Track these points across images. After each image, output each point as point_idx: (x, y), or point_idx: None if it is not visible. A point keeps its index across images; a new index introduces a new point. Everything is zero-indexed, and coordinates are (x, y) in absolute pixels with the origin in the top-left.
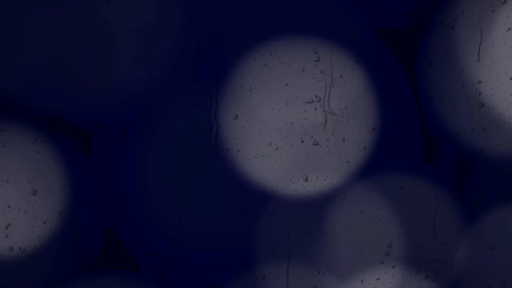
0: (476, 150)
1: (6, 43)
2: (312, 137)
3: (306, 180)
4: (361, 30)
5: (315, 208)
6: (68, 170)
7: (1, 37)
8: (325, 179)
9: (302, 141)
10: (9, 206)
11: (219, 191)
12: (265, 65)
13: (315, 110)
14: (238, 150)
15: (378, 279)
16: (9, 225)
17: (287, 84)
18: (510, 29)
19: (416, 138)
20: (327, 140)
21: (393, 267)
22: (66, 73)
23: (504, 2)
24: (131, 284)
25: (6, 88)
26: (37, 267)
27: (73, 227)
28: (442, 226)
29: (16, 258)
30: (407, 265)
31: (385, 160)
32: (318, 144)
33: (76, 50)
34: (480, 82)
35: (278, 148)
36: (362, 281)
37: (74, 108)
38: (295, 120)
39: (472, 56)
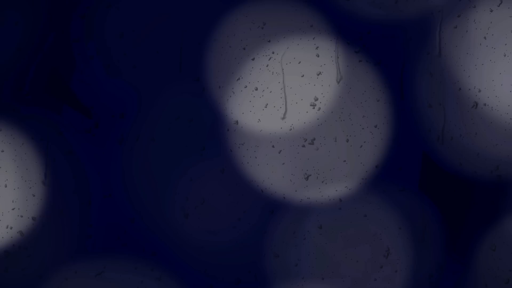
0: (475, 152)
1: (6, 43)
2: (313, 138)
3: (307, 179)
4: (363, 33)
5: (315, 209)
6: (68, 170)
7: (0, 37)
8: (324, 179)
9: (303, 143)
10: (12, 208)
11: (220, 191)
12: (266, 66)
13: (317, 111)
14: (239, 150)
15: (375, 280)
16: (11, 227)
17: (288, 86)
18: (507, 27)
19: (416, 139)
20: (328, 141)
21: (396, 272)
22: (64, 74)
23: (501, 3)
24: (131, 284)
25: (3, 89)
26: (37, 267)
27: (74, 227)
28: (442, 227)
29: (16, 258)
30: (407, 266)
31: (385, 161)
32: (318, 145)
33: (77, 50)
34: (480, 83)
35: (280, 151)
36: (362, 282)
37: (72, 109)
38: (296, 121)
39: (472, 57)
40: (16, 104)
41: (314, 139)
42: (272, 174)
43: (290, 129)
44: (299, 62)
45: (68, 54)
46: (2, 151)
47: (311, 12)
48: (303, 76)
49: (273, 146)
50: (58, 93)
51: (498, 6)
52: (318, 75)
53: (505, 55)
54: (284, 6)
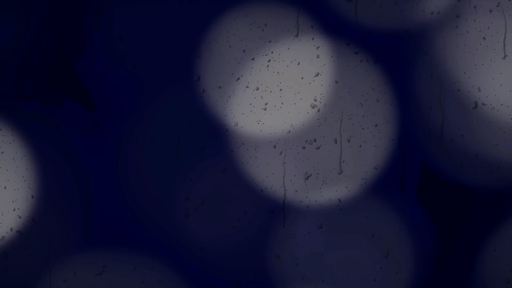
0: (475, 153)
1: (5, 43)
2: (313, 139)
3: (307, 178)
4: (363, 34)
5: (315, 209)
6: (69, 170)
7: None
8: (324, 180)
9: (303, 143)
10: (12, 209)
11: (221, 191)
12: (267, 66)
13: (317, 111)
14: (239, 150)
15: (375, 280)
16: (11, 228)
17: (289, 86)
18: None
19: (416, 140)
20: (328, 141)
21: (396, 273)
22: (65, 74)
23: (498, 5)
24: (131, 284)
25: (3, 88)
26: (36, 267)
27: (75, 228)
28: (443, 227)
29: (16, 259)
30: (407, 268)
31: (385, 162)
32: (318, 145)
33: (78, 51)
34: (480, 83)
35: (281, 152)
36: (361, 283)
37: (71, 109)
38: (296, 121)
39: (472, 57)
40: (16, 102)
41: (315, 139)
42: (272, 175)
43: (289, 131)
44: (299, 63)
45: (68, 54)
46: (2, 152)
47: (311, 13)
48: (302, 78)
49: (274, 147)
50: (58, 93)
51: (498, 6)
52: (317, 75)
53: (505, 55)
54: (284, 7)
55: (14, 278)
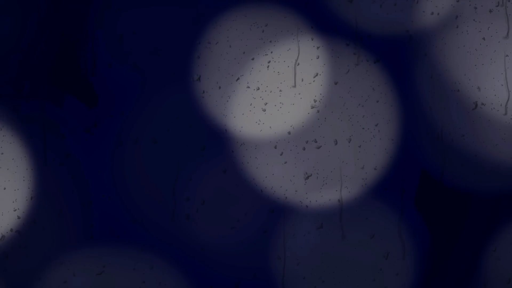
0: (475, 153)
1: (5, 43)
2: (313, 139)
3: (307, 178)
4: (363, 34)
5: (315, 210)
6: (69, 170)
7: None
8: (324, 180)
9: (304, 143)
10: (13, 209)
11: (221, 191)
12: (267, 66)
13: (317, 111)
14: (239, 151)
15: (374, 280)
16: (10, 228)
17: (289, 86)
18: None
19: (416, 141)
20: (328, 141)
21: (397, 274)
22: (63, 75)
23: (498, 5)
24: (130, 282)
25: (3, 88)
26: (36, 268)
27: (76, 228)
28: (442, 227)
29: (15, 259)
30: (406, 267)
31: (385, 163)
32: (318, 145)
33: (77, 51)
34: (481, 83)
35: (281, 152)
36: (360, 283)
37: (71, 109)
38: (296, 121)
39: (472, 57)
40: (16, 102)
41: (315, 140)
42: (272, 175)
43: (289, 132)
44: (298, 64)
45: (68, 54)
46: (2, 153)
47: (311, 13)
48: (302, 80)
49: (274, 147)
50: (58, 93)
51: (497, 6)
52: (317, 76)
53: (506, 55)
54: (284, 7)
55: (14, 278)
